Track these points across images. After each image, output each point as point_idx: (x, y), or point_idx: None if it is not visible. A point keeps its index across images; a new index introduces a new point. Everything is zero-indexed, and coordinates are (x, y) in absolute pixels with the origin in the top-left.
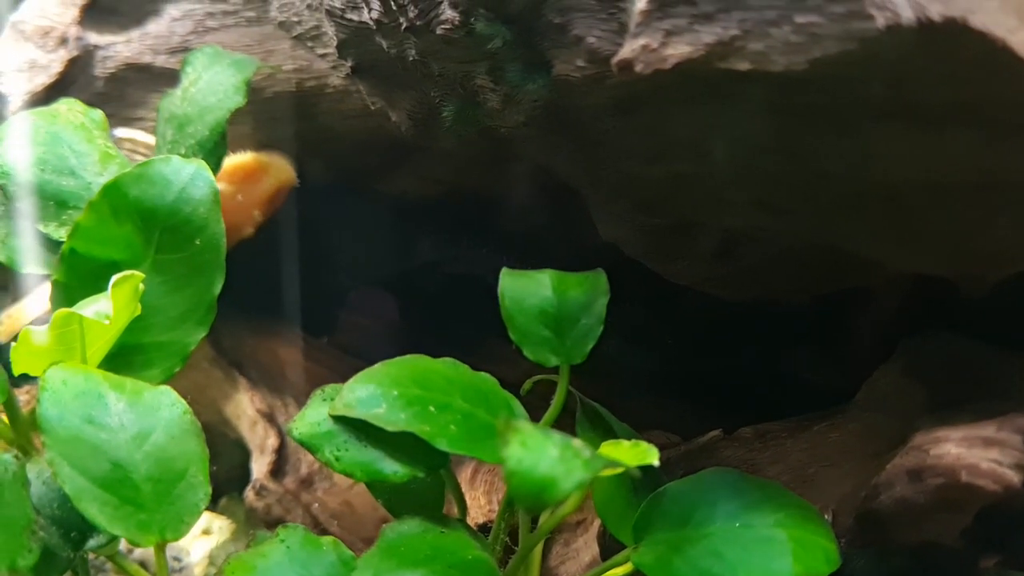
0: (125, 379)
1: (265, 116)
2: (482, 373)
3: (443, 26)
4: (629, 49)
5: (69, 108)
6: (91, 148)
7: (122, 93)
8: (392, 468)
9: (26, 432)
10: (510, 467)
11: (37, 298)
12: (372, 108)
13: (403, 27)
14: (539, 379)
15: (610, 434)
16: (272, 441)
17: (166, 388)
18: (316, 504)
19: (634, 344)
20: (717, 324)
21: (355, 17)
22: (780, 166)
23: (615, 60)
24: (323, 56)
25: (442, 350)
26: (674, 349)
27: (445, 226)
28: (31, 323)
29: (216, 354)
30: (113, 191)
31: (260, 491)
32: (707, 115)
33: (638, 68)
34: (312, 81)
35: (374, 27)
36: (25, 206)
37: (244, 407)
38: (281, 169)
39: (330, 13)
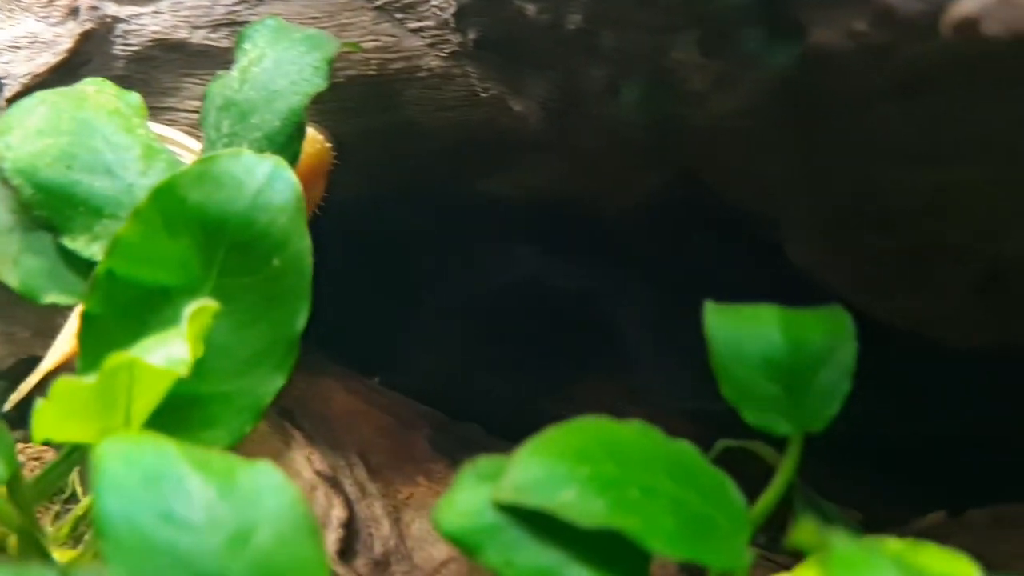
0: (210, 453)
1: (333, 105)
2: (681, 442)
3: None
4: (976, 2)
5: (98, 89)
6: (131, 140)
7: (148, 77)
8: None
9: (30, 510)
10: None
11: (63, 340)
12: (483, 96)
13: None
14: (730, 445)
15: (830, 521)
16: (338, 512)
17: (267, 466)
18: None
19: None
20: (925, 375)
21: None
22: None
23: (950, 18)
24: (416, 31)
25: (521, 391)
26: (861, 404)
27: (544, 246)
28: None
29: None
30: (166, 195)
31: None
32: None
33: (991, 30)
34: (399, 63)
35: None
36: (46, 214)
37: (299, 468)
38: (311, 142)
39: None
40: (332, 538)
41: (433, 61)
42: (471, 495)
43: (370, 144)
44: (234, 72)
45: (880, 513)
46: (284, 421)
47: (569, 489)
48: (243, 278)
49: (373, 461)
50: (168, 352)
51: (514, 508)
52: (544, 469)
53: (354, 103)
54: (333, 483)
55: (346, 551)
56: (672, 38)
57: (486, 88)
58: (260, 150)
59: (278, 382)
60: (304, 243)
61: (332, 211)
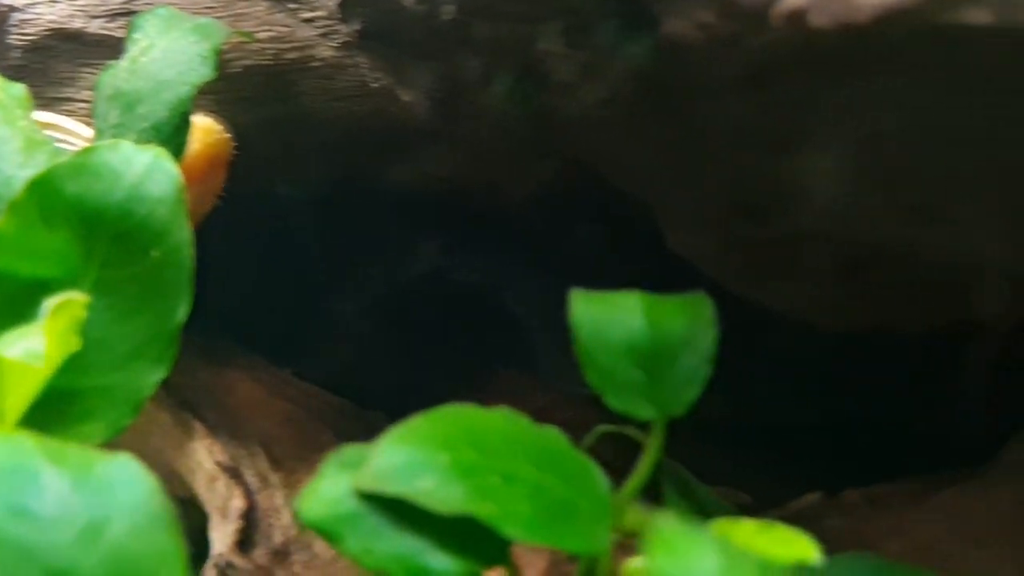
0: (67, 447)
1: (230, 95)
2: (548, 428)
3: None
4: None
5: None
6: (11, 132)
7: (45, 67)
8: (441, 563)
9: None
10: None
11: None
12: (373, 86)
13: None
14: (607, 431)
15: (700, 504)
16: (238, 503)
17: (126, 458)
18: None
19: None
20: (802, 358)
21: None
22: (971, 162)
23: (780, 9)
24: (309, 21)
25: (433, 382)
26: (746, 387)
27: (445, 234)
28: None
29: (163, 392)
30: (43, 187)
31: (225, 569)
32: (881, 92)
33: (817, 22)
34: (293, 53)
35: None
36: None
37: (200, 459)
38: (209, 132)
39: None
40: (231, 528)
41: (325, 51)
42: (334, 483)
43: (270, 134)
44: (124, 62)
45: (779, 495)
46: (186, 413)
47: (428, 476)
48: (123, 270)
49: (276, 451)
50: (26, 346)
51: (376, 496)
52: (404, 457)
53: (251, 93)
54: (234, 474)
55: (245, 541)
56: (538, 29)
57: (376, 78)
58: (147, 141)
59: (158, 374)
60: (184, 234)
61: (235, 202)
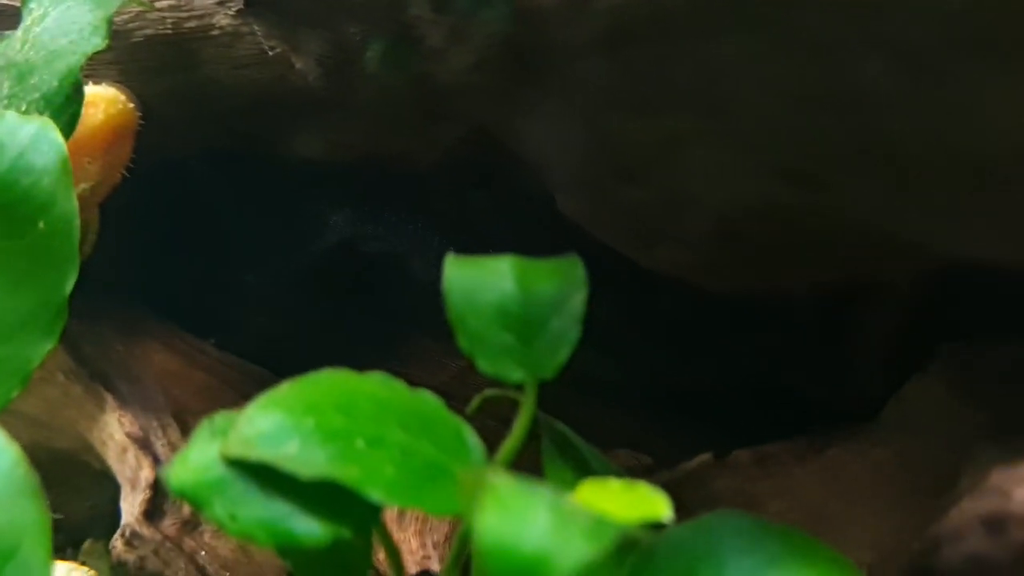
0: None
1: (134, 66)
2: (423, 392)
3: None
4: None
5: None
6: None
7: None
8: (307, 528)
9: None
10: (486, 542)
11: None
12: (270, 54)
13: None
14: (492, 395)
15: (582, 465)
16: (147, 473)
17: None
18: (203, 552)
19: (595, 344)
20: (698, 321)
21: None
22: (827, 124)
23: None
24: None
25: (351, 351)
26: (645, 351)
27: (358, 203)
28: None
29: (75, 364)
30: None
31: (131, 539)
32: (732, 53)
33: None
34: (192, 21)
35: None
36: None
37: (111, 431)
38: (113, 102)
39: None
40: (139, 499)
41: (223, 19)
42: (203, 450)
43: (175, 104)
44: (18, 33)
45: (684, 456)
46: (98, 384)
47: (293, 441)
48: (8, 242)
49: (190, 421)
50: None
51: (243, 463)
52: (270, 422)
53: (154, 63)
54: (143, 445)
55: (153, 512)
56: None
57: (272, 46)
58: (39, 111)
59: (47, 345)
60: (71, 205)
61: (144, 173)
